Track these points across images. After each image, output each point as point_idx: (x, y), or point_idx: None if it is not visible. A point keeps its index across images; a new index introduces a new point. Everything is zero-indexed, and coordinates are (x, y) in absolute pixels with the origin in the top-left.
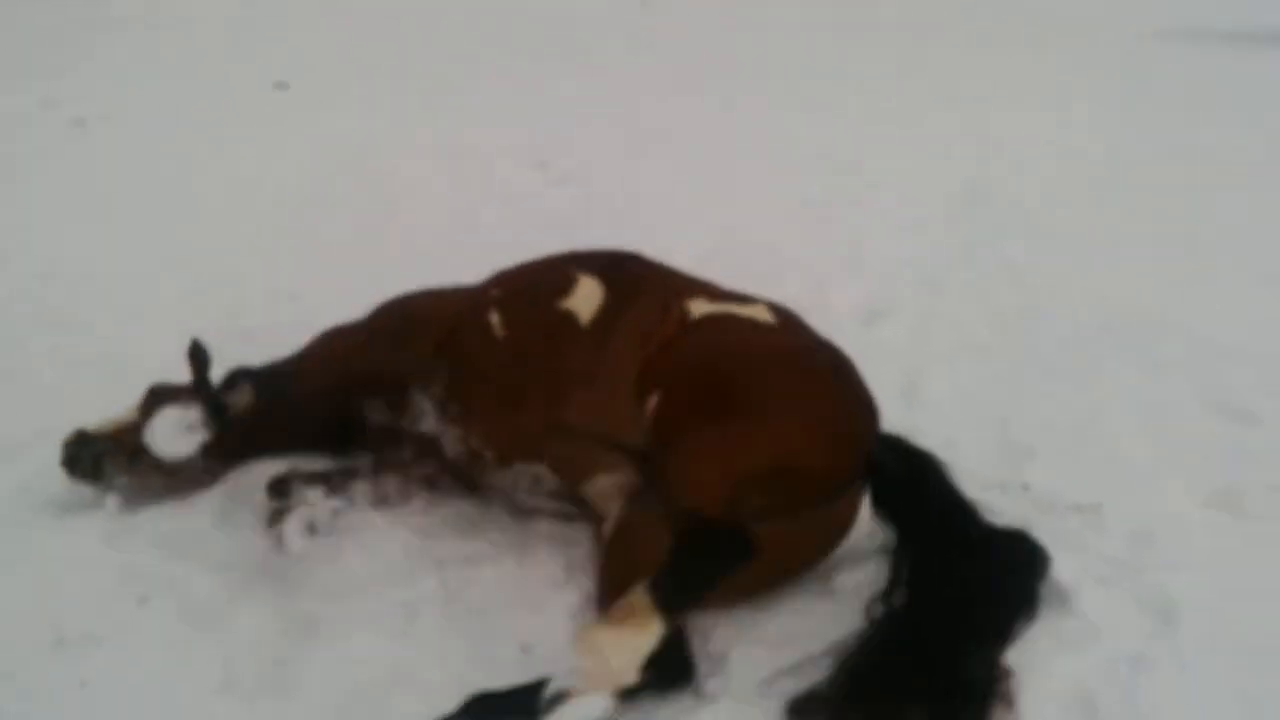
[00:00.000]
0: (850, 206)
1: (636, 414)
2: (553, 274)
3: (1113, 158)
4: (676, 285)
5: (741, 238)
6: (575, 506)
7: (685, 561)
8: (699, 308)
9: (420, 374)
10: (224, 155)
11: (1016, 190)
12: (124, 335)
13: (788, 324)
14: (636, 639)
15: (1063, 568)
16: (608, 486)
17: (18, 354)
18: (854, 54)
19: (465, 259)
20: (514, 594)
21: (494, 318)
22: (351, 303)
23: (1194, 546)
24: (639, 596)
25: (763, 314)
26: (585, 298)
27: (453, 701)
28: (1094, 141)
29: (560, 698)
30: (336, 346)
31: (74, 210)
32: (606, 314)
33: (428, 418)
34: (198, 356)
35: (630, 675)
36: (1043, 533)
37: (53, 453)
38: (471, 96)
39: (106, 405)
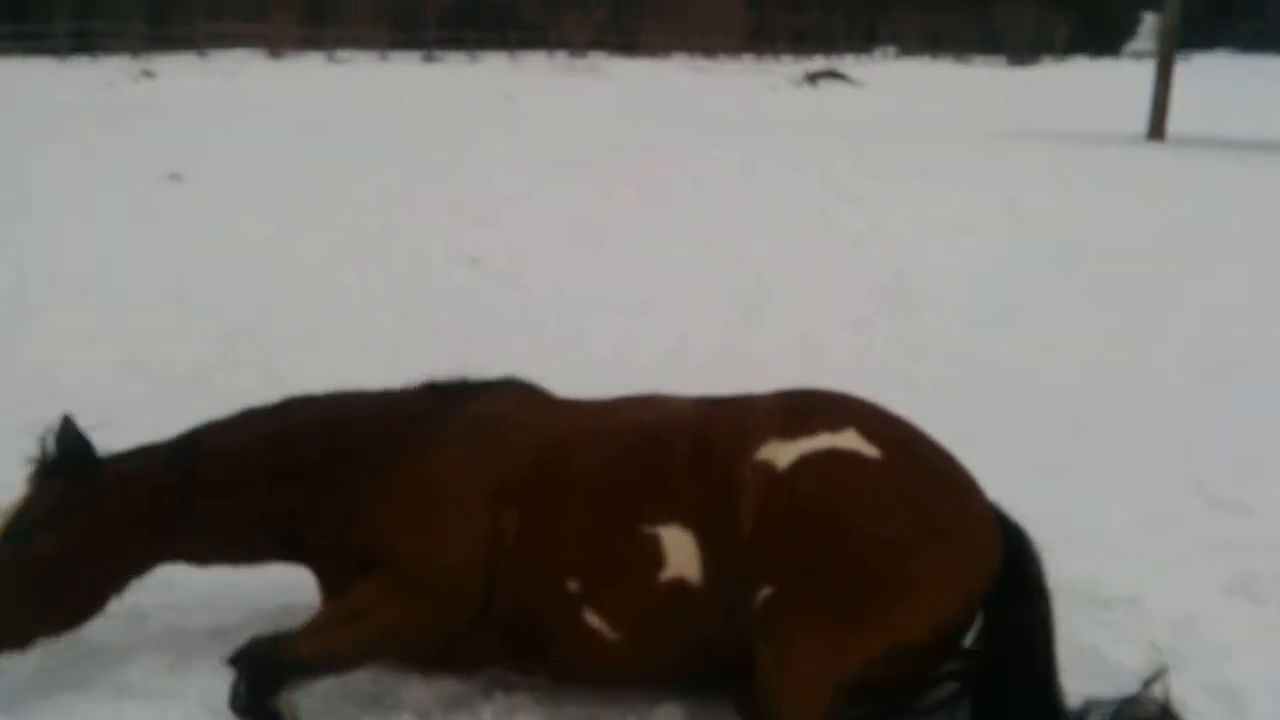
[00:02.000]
0: (790, 304)
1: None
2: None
3: (1026, 256)
4: (736, 422)
5: (696, 339)
6: None
7: None
8: (781, 453)
9: None
10: (131, 249)
11: (945, 288)
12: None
13: (887, 447)
14: None
15: (1123, 657)
16: None
17: None
18: (738, 146)
19: (423, 357)
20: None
21: (593, 619)
22: None
23: (1233, 633)
24: None
25: (854, 442)
26: (679, 547)
27: None
28: (1001, 240)
29: None
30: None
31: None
32: (709, 555)
33: None
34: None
35: None
36: (1089, 624)
37: None
38: (372, 190)
39: None
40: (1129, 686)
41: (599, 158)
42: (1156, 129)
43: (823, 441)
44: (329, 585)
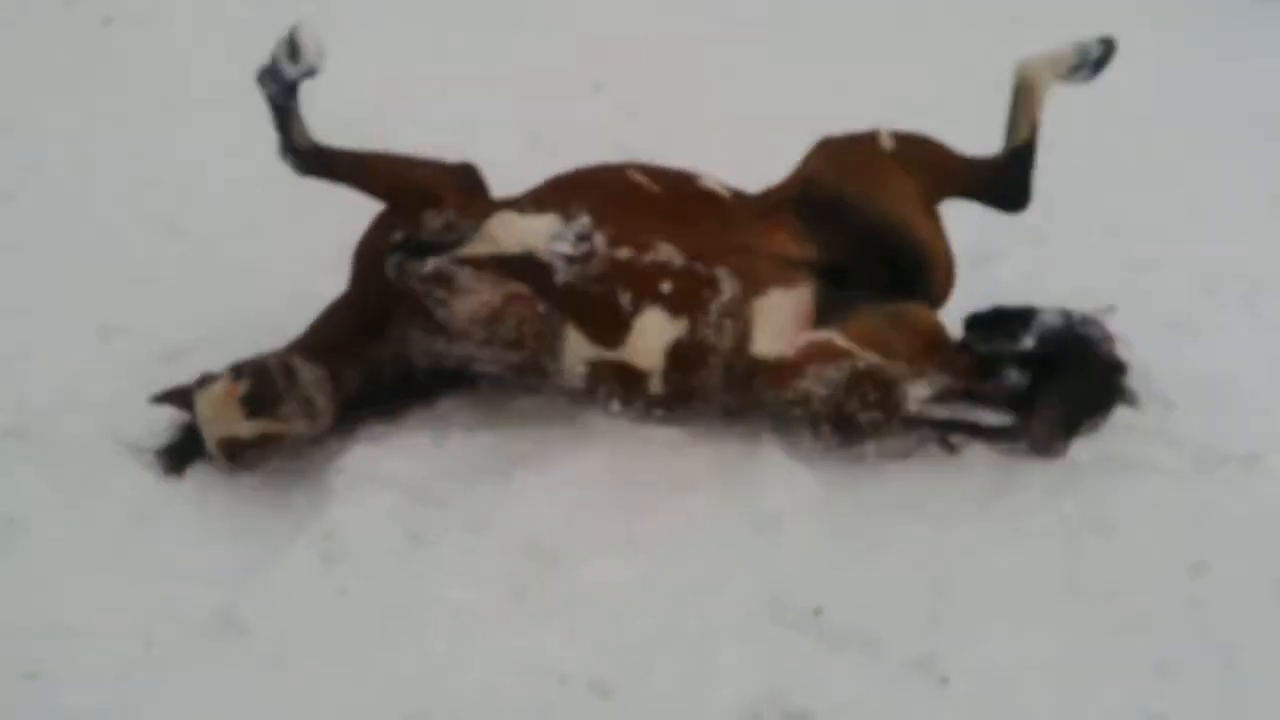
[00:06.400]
0: None
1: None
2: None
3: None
4: None
5: None
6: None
7: None
8: None
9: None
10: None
11: (1085, 140)
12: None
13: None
14: None
15: (1237, 513)
16: (783, 303)
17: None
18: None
19: None
20: None
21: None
22: None
23: None
24: None
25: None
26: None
27: None
28: (1146, 93)
29: None
30: None
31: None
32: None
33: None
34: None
35: None
36: (1204, 481)
37: None
38: (498, 11)
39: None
40: (1239, 546)
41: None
42: None
43: None
44: None
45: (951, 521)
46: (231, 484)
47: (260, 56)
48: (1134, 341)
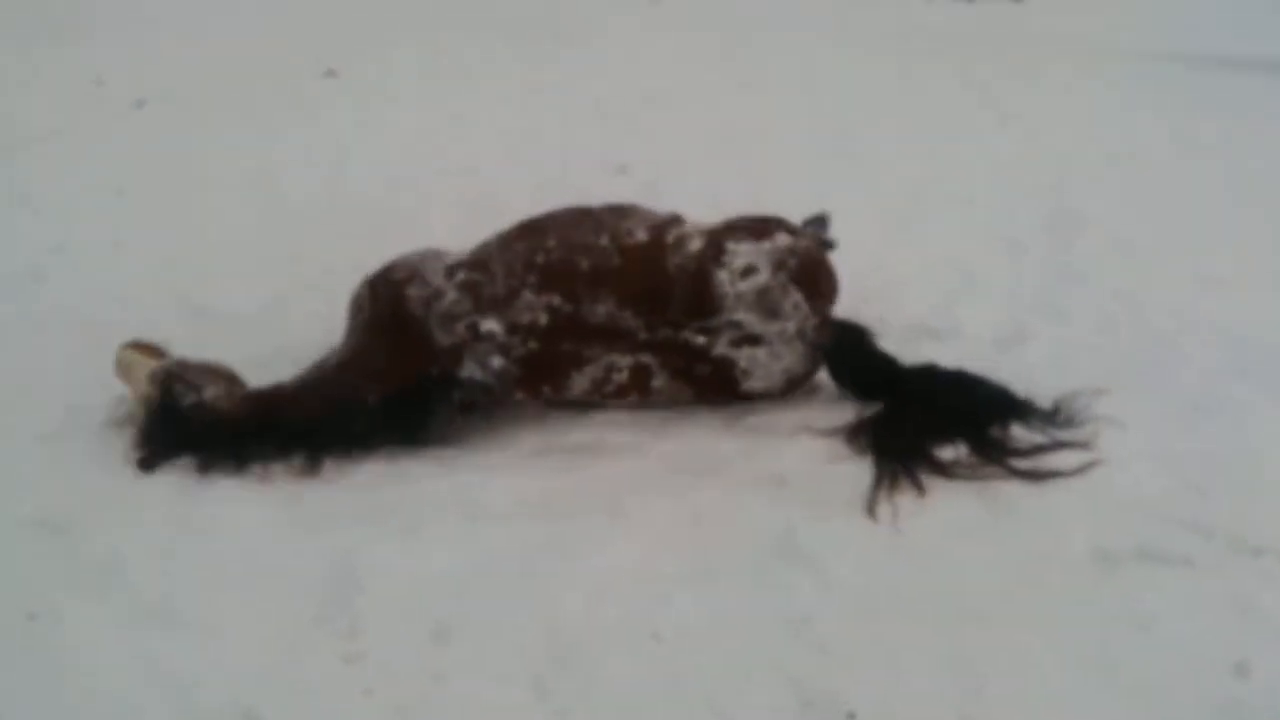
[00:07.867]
0: (941, 223)
1: None
2: None
3: (1182, 178)
4: None
5: (843, 253)
6: None
7: None
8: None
9: None
10: (288, 146)
11: (1104, 215)
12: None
13: None
14: None
15: (1275, 606)
16: None
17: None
18: (891, 67)
19: None
20: None
21: None
22: None
23: None
24: None
25: None
26: None
27: None
28: (1166, 168)
29: None
30: None
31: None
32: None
33: None
34: None
35: None
36: (1240, 571)
37: None
38: (521, 87)
39: None
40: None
41: (741, 58)
42: None
43: None
44: None
45: (986, 620)
46: (251, 580)
47: (288, 141)
48: (1160, 423)
